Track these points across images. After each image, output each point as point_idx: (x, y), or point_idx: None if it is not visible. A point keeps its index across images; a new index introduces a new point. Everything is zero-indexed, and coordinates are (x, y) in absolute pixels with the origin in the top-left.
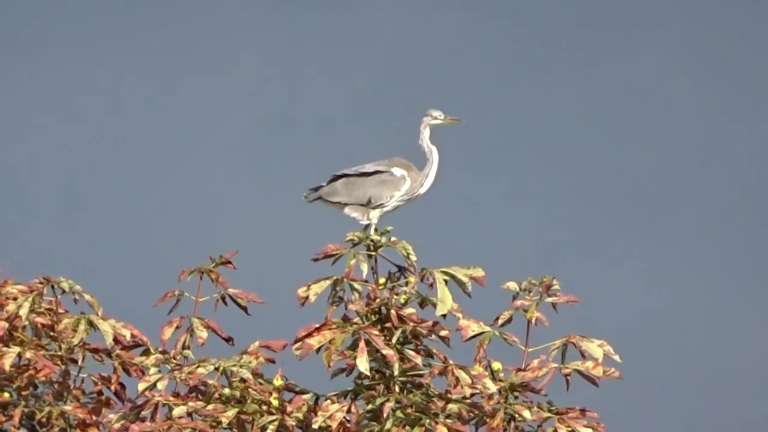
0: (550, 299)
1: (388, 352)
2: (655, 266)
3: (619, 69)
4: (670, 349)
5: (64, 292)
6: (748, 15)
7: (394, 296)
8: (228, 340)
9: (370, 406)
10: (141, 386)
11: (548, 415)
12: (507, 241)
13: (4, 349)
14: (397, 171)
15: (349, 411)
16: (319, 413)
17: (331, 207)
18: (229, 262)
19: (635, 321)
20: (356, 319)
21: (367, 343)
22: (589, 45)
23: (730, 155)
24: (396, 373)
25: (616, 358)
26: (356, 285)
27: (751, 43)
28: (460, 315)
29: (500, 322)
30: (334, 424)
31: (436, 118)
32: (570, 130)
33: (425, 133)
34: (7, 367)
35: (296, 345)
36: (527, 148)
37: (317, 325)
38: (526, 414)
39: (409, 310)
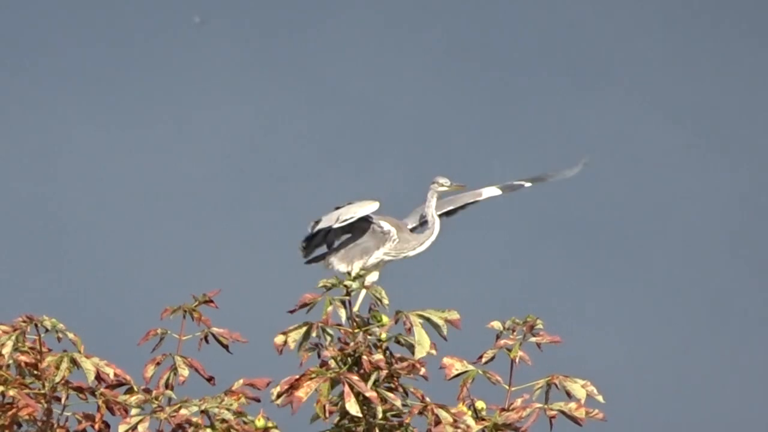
0: (533, 339)
1: (371, 394)
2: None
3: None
4: (653, 391)
5: (47, 330)
6: (720, 55)
7: (368, 336)
8: (209, 379)
9: None
10: (122, 428)
11: None
12: (477, 285)
13: None
14: (385, 225)
15: None
16: None
17: (327, 266)
18: (211, 301)
19: (616, 363)
20: (332, 363)
21: (350, 387)
22: (558, 88)
23: (707, 197)
24: (379, 415)
25: (600, 398)
26: (330, 330)
27: (725, 84)
28: (434, 352)
29: (483, 360)
30: None
31: (443, 185)
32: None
33: (432, 202)
34: None
35: (280, 398)
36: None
37: (297, 377)
38: None
39: (377, 356)
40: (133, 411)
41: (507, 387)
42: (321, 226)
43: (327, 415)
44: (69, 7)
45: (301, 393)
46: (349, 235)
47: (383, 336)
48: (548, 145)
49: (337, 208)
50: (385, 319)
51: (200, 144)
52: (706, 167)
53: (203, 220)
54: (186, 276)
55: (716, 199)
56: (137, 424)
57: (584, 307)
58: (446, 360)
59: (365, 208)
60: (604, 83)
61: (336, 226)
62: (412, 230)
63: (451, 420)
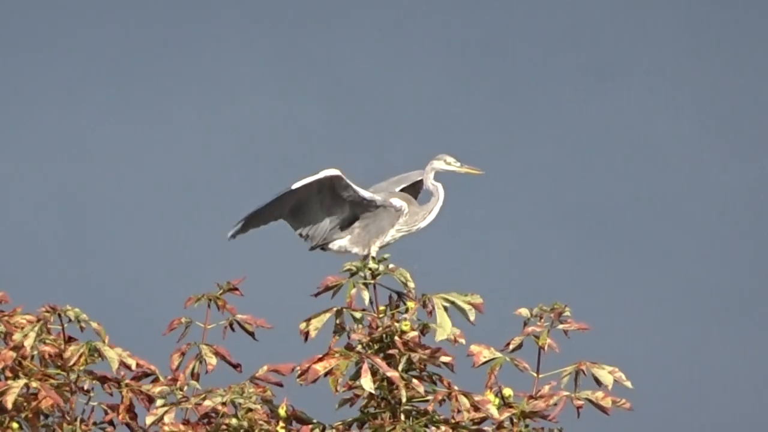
0: (561, 326)
1: (392, 374)
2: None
3: (605, 105)
4: (683, 380)
5: (70, 320)
6: (735, 48)
7: (395, 323)
8: (236, 366)
9: None
10: (149, 419)
11: None
12: (500, 271)
13: (9, 383)
14: (396, 202)
15: None
16: None
17: (337, 251)
18: (236, 289)
19: (645, 351)
20: (359, 348)
21: (371, 367)
22: (571, 82)
23: (725, 189)
24: (403, 398)
25: (628, 384)
26: (356, 314)
27: (743, 77)
28: (463, 341)
29: (511, 347)
30: None
31: (449, 164)
32: (567, 164)
33: (430, 175)
34: (9, 404)
35: (300, 376)
36: (520, 183)
37: (320, 356)
38: None
39: (411, 334)
40: (158, 402)
41: (535, 374)
42: (274, 197)
43: (336, 389)
44: (89, 5)
45: (319, 367)
46: (345, 213)
47: (405, 325)
48: (562, 139)
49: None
50: (411, 304)
51: (218, 135)
52: (725, 160)
53: (225, 209)
54: (210, 264)
55: (734, 190)
56: (163, 414)
57: (603, 299)
58: (474, 347)
59: (323, 171)
60: (617, 77)
61: (294, 186)
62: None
63: (468, 406)
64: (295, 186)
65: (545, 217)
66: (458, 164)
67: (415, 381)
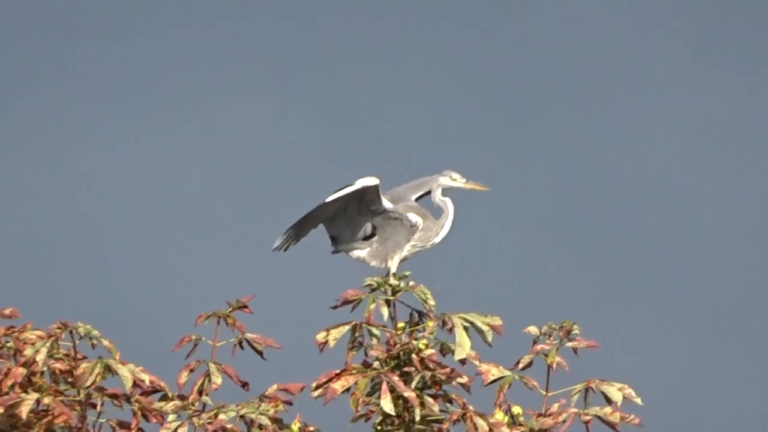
0: (570, 344)
1: (409, 394)
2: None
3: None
4: (691, 397)
5: (81, 337)
6: (732, 66)
7: (414, 341)
8: (243, 385)
9: None
10: None
11: None
12: (501, 289)
13: (23, 395)
14: (413, 217)
15: None
16: None
17: (355, 260)
18: (246, 307)
19: (654, 368)
20: (375, 364)
21: (389, 386)
22: (569, 102)
23: (726, 207)
24: (417, 417)
25: (638, 401)
26: (375, 330)
27: (741, 95)
28: (477, 363)
29: (521, 366)
30: None
31: (455, 180)
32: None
33: (437, 192)
34: (24, 415)
35: (317, 391)
36: (518, 201)
37: (338, 371)
38: None
39: (428, 351)
40: (170, 417)
41: (544, 392)
42: (312, 209)
43: (359, 410)
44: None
45: (337, 386)
46: (368, 225)
47: (422, 343)
48: (560, 160)
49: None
50: (430, 323)
51: (215, 151)
52: (723, 176)
53: (237, 226)
54: (221, 281)
55: (735, 208)
56: (177, 429)
57: (603, 315)
58: (483, 366)
59: (360, 181)
60: (615, 95)
61: (329, 199)
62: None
63: (486, 429)
64: (329, 199)
65: (544, 235)
66: (463, 180)
67: (430, 400)
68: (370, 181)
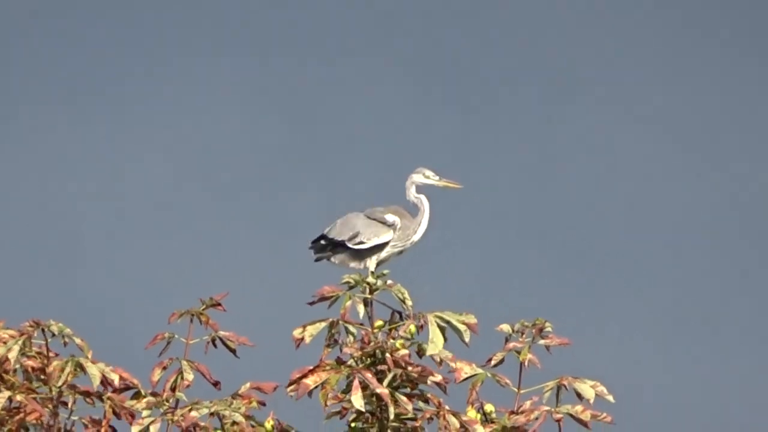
0: (542, 341)
1: (382, 391)
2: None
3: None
4: (660, 395)
5: (53, 335)
6: (694, 60)
7: (390, 340)
8: (215, 384)
9: None
10: (134, 430)
11: None
12: (471, 287)
13: None
14: (390, 217)
15: None
16: None
17: (338, 264)
18: (219, 304)
19: (622, 366)
20: (350, 362)
21: (362, 384)
22: (532, 98)
23: (690, 200)
24: (391, 415)
25: (610, 398)
26: (351, 328)
27: (702, 88)
28: (453, 364)
29: (493, 363)
30: None
31: (428, 177)
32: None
33: (411, 189)
34: None
35: (291, 386)
36: (485, 199)
37: (311, 367)
38: None
39: (402, 351)
40: (144, 413)
41: (516, 390)
42: (334, 236)
43: (327, 403)
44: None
45: (310, 381)
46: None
47: (399, 343)
48: (526, 157)
49: (359, 211)
50: (412, 327)
51: (193, 151)
52: (692, 171)
53: (208, 225)
54: (194, 280)
55: (702, 200)
56: (149, 425)
57: (575, 315)
58: (456, 363)
59: (381, 237)
60: (582, 91)
61: (351, 246)
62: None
63: (458, 426)
64: (369, 245)
65: (513, 234)
66: (437, 178)
67: (403, 398)
68: (388, 236)
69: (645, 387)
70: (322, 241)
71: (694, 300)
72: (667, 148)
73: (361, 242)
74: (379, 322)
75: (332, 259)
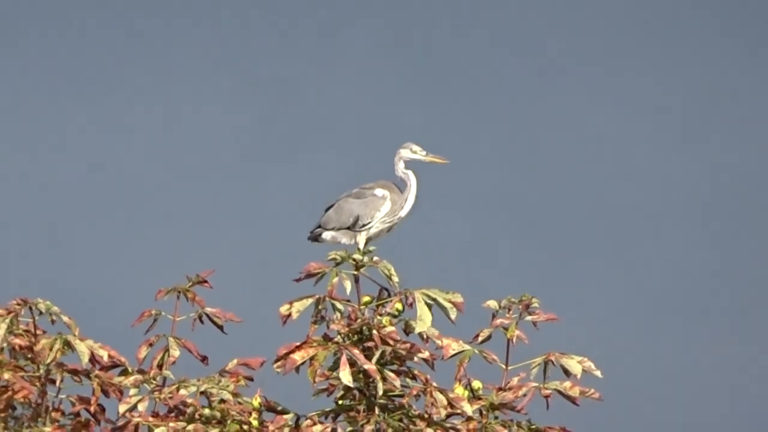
0: (529, 317)
1: (370, 367)
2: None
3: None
4: (642, 375)
5: (41, 313)
6: (684, 39)
7: (377, 317)
8: (203, 359)
9: (350, 429)
10: (122, 408)
11: None
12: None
13: None
14: (379, 191)
15: (335, 430)
16: None
17: (330, 241)
18: (206, 281)
19: (606, 346)
20: (337, 338)
21: (349, 360)
22: (512, 77)
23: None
24: (380, 392)
25: (598, 373)
26: (338, 304)
27: (686, 71)
28: (439, 342)
29: (480, 339)
30: None
31: (415, 153)
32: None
33: (400, 164)
34: None
35: (278, 362)
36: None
37: (298, 343)
38: None
39: (389, 328)
40: (132, 391)
41: (504, 366)
42: (334, 226)
43: (316, 381)
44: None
45: (297, 356)
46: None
47: (385, 320)
48: (508, 136)
49: (348, 196)
50: (399, 305)
51: (181, 135)
52: (676, 153)
53: (195, 203)
54: (180, 256)
55: (686, 185)
56: (137, 403)
57: (558, 297)
58: (443, 340)
59: (382, 210)
60: (564, 71)
61: (357, 229)
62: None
63: (446, 403)
64: (372, 230)
65: (494, 216)
66: (423, 153)
67: (391, 375)
68: (387, 206)
69: (625, 366)
70: (318, 230)
71: (677, 278)
72: (650, 130)
73: (365, 224)
74: (366, 298)
75: (324, 235)
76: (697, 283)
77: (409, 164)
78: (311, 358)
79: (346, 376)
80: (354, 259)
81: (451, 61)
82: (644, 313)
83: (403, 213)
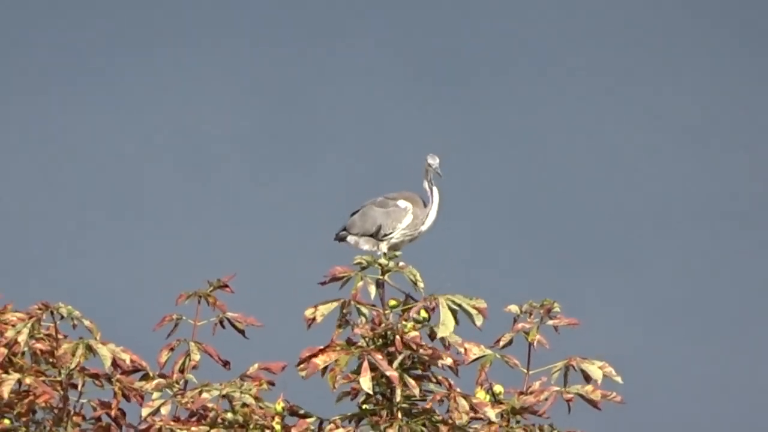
0: (551, 322)
1: (391, 373)
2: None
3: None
4: (645, 381)
5: (62, 317)
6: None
7: (402, 322)
8: (225, 364)
9: None
10: (145, 412)
11: None
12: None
13: (4, 375)
14: (402, 203)
15: None
16: None
17: (353, 244)
18: (227, 286)
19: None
20: (361, 342)
21: (371, 366)
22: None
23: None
24: (398, 397)
25: (618, 379)
26: (363, 309)
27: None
28: (462, 349)
29: (501, 344)
30: None
31: (430, 165)
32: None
33: (429, 175)
34: (6, 395)
35: (301, 365)
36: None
37: (321, 347)
38: None
39: (412, 334)
40: (154, 395)
41: (525, 371)
42: (358, 232)
43: (335, 386)
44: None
45: (319, 361)
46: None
47: (409, 326)
48: (509, 145)
49: (372, 204)
50: (423, 313)
51: (198, 137)
52: (679, 161)
53: (216, 207)
54: (201, 261)
55: (688, 190)
56: (160, 407)
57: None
58: (465, 345)
59: (403, 222)
60: (565, 81)
61: (379, 238)
62: None
63: (468, 408)
64: (393, 240)
65: (496, 218)
66: (435, 166)
67: (411, 381)
68: (408, 219)
69: (633, 369)
70: (343, 232)
71: (680, 283)
72: (656, 133)
73: (387, 234)
74: (392, 302)
75: (348, 239)
76: (701, 288)
77: (435, 178)
78: (333, 363)
79: (366, 382)
80: (380, 264)
81: (456, 64)
82: (647, 318)
83: (424, 228)
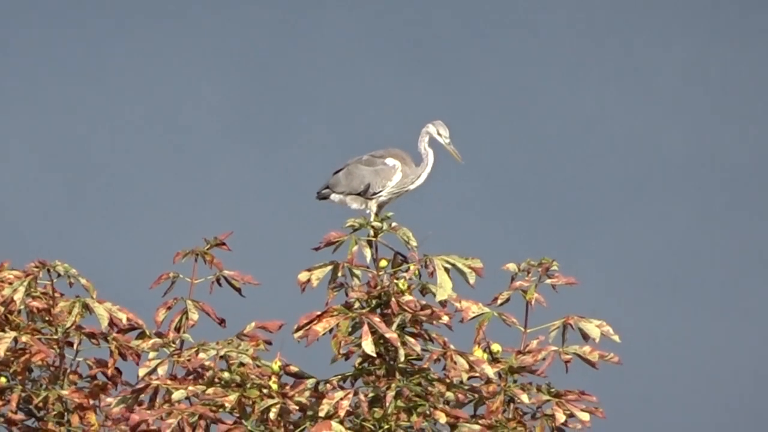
0: (549, 281)
1: (391, 335)
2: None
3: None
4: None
5: (59, 275)
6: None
7: (395, 282)
8: (221, 322)
9: (371, 393)
10: (142, 371)
11: (547, 397)
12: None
13: (0, 333)
14: (390, 161)
15: (355, 395)
16: (324, 401)
17: (338, 203)
18: (224, 244)
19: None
20: (356, 305)
21: (370, 327)
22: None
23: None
24: (401, 358)
25: (616, 338)
26: (356, 271)
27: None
28: (457, 305)
29: (499, 302)
30: (342, 413)
31: (440, 135)
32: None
33: (425, 139)
34: (2, 353)
35: (299, 332)
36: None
37: (318, 312)
38: (524, 398)
39: (407, 297)
40: (151, 355)
41: (522, 329)
42: (343, 190)
43: (340, 351)
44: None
45: (319, 327)
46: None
47: (402, 284)
48: (498, 116)
49: (358, 162)
50: (412, 266)
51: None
52: (668, 128)
53: (214, 164)
54: (198, 219)
55: (678, 158)
56: (157, 366)
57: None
58: (463, 303)
59: (393, 180)
60: (554, 49)
61: (367, 197)
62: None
63: (467, 366)
64: (382, 198)
65: (487, 194)
66: (447, 140)
67: (411, 340)
68: (398, 176)
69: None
70: (326, 190)
71: (670, 252)
72: (645, 99)
73: (376, 192)
74: (383, 262)
75: (332, 197)
76: (687, 259)
77: (431, 142)
78: (335, 328)
79: (368, 345)
80: (372, 226)
81: (443, 36)
82: (633, 287)
83: (412, 187)
